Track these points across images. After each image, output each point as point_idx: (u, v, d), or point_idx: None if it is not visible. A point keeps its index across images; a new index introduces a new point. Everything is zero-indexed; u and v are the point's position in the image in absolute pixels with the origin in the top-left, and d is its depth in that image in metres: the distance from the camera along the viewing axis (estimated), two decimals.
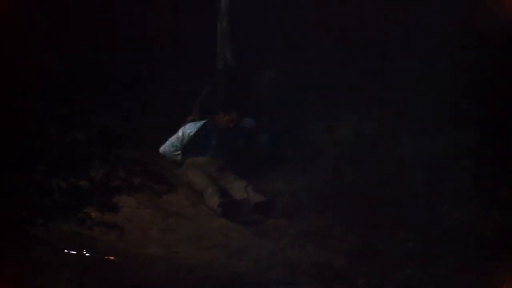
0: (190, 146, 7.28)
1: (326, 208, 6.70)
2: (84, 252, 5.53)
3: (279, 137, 7.56)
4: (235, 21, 7.85)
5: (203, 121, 7.39)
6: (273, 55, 7.90)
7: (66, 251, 5.47)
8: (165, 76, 8.06)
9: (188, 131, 7.35)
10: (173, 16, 8.08)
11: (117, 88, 7.71)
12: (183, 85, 8.01)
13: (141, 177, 6.87)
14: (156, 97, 8.03)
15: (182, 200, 6.84)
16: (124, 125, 7.40)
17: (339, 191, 6.82)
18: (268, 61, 7.85)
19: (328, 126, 7.57)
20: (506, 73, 6.40)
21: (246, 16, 7.88)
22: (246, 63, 7.80)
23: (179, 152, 7.33)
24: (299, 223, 6.58)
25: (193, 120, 7.54)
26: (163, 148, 7.39)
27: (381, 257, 5.83)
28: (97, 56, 7.76)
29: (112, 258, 5.57)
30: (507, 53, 6.45)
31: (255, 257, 5.96)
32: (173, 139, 7.37)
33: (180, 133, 7.34)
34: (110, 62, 7.81)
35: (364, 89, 7.45)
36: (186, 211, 6.71)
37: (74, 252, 5.50)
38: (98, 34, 7.89)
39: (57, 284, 5.00)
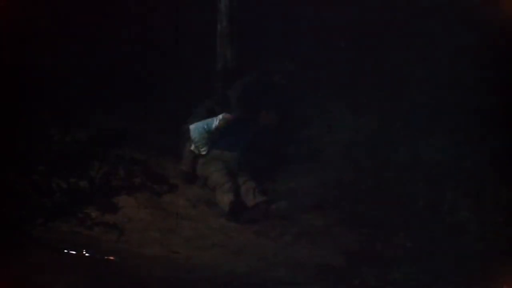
0: (221, 138, 7.12)
1: (326, 208, 6.71)
2: (84, 252, 5.53)
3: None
4: (235, 21, 7.85)
5: (238, 115, 7.23)
6: (273, 56, 7.89)
7: (66, 251, 5.47)
8: (165, 76, 8.05)
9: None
10: (173, 16, 8.08)
11: (117, 88, 7.70)
12: (183, 85, 8.00)
13: (141, 177, 6.89)
14: (156, 97, 8.02)
15: (182, 200, 6.84)
16: (123, 125, 7.40)
17: (338, 191, 6.82)
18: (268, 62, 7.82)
19: (328, 126, 7.57)
20: (506, 73, 6.41)
21: (245, 16, 7.88)
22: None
23: (206, 141, 7.07)
24: (299, 223, 6.58)
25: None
26: (193, 129, 7.07)
27: (380, 257, 5.84)
28: (97, 56, 7.76)
29: (112, 258, 5.57)
30: (507, 53, 6.45)
31: (255, 257, 5.96)
32: (204, 125, 7.10)
33: (216, 121, 7.12)
34: (110, 62, 7.81)
35: (364, 89, 7.46)
36: (186, 211, 6.71)
37: (74, 252, 5.50)
38: (98, 34, 7.88)
39: (57, 284, 4.99)
